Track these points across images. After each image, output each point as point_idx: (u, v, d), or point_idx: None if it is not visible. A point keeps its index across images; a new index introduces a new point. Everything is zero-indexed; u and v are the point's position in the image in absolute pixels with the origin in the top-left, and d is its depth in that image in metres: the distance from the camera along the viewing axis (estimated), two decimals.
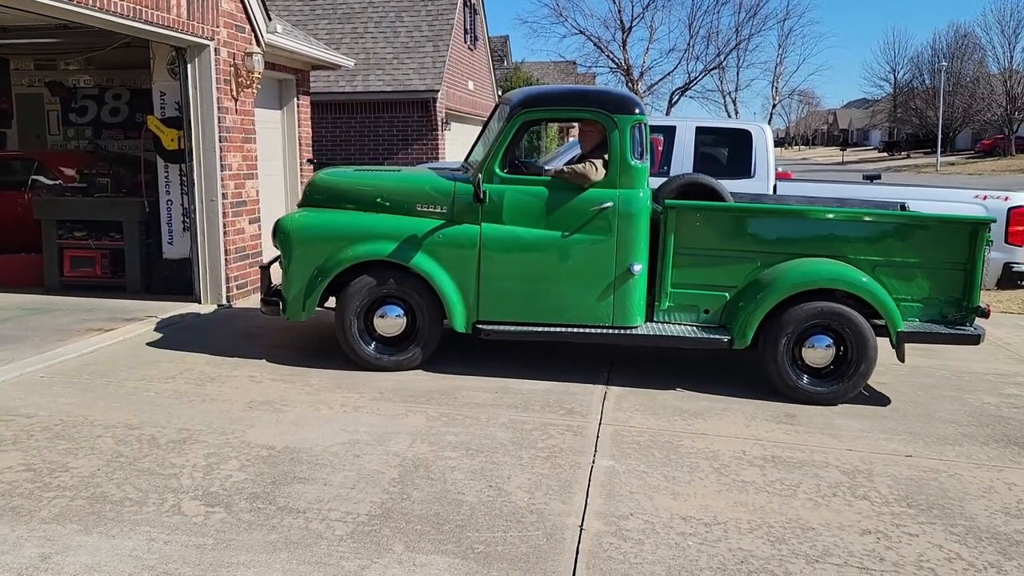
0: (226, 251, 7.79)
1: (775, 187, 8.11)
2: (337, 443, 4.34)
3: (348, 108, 15.69)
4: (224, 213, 7.76)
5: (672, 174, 7.54)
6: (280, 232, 5.76)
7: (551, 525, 3.50)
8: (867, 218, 5.49)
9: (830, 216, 5.50)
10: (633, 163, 5.45)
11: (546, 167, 6.17)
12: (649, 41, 46.00)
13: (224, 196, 7.74)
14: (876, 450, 4.56)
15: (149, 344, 6.34)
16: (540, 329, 5.56)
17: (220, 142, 7.66)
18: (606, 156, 5.47)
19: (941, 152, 50.39)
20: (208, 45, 7.50)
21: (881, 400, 5.49)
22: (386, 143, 15.82)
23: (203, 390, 5.20)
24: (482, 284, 5.55)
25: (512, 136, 5.54)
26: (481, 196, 5.47)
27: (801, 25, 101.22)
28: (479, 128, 21.41)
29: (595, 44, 40.97)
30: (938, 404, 5.42)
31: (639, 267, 5.46)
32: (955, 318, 5.42)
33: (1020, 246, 7.68)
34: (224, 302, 7.79)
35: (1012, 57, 54.39)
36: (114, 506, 3.55)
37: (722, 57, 43.90)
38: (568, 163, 5.86)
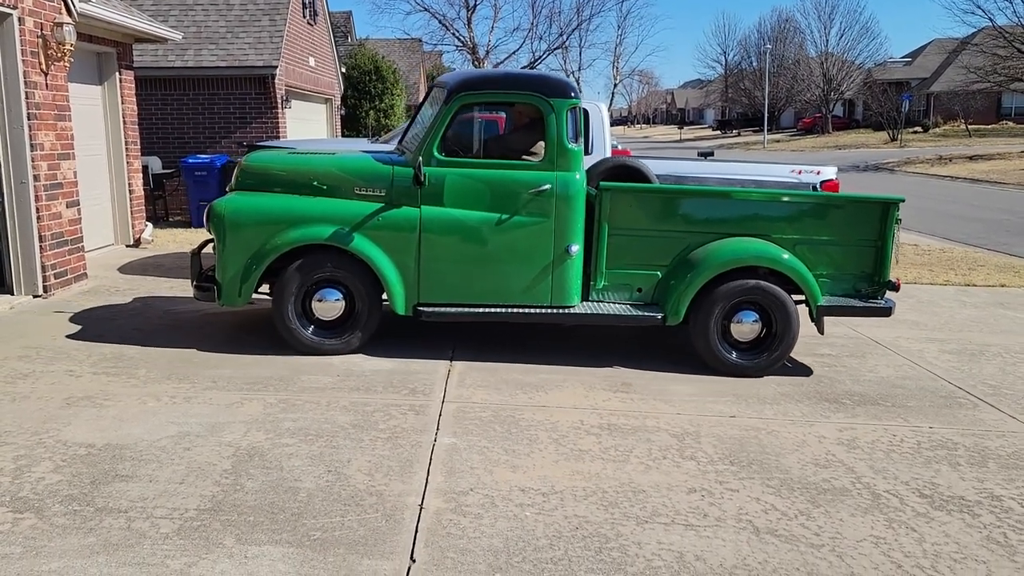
0: (41, 237, 7.21)
1: None
2: (165, 436, 4.13)
3: (180, 84, 14.81)
4: (37, 197, 7.17)
5: None
6: (214, 216, 5.57)
7: (391, 506, 3.48)
8: (786, 199, 5.74)
9: (754, 197, 5.74)
10: (570, 146, 5.53)
11: (390, 143, 6.05)
12: (494, 20, 46.25)
13: (36, 178, 7.15)
14: (704, 412, 4.82)
15: None
16: (480, 310, 5.58)
17: (29, 120, 7.05)
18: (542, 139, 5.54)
19: (768, 130, 53.65)
20: (11, 14, 6.86)
21: (804, 371, 5.75)
22: (223, 121, 15.07)
23: (14, 388, 4.80)
24: (422, 266, 5.52)
25: (450, 119, 5.52)
26: (421, 179, 5.42)
27: (638, 7, 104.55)
28: (322, 105, 20.65)
29: (440, 22, 40.73)
30: None
31: (576, 248, 5.55)
32: (868, 292, 5.76)
33: None
34: (40, 292, 7.22)
35: (828, 41, 58.55)
36: None
37: (564, 37, 44.66)
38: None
